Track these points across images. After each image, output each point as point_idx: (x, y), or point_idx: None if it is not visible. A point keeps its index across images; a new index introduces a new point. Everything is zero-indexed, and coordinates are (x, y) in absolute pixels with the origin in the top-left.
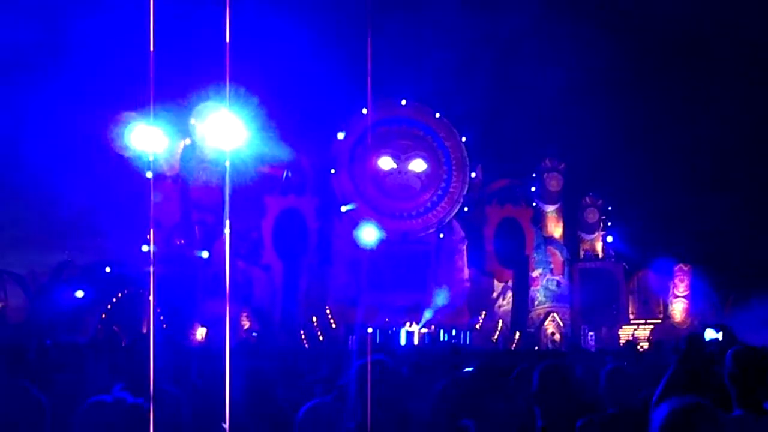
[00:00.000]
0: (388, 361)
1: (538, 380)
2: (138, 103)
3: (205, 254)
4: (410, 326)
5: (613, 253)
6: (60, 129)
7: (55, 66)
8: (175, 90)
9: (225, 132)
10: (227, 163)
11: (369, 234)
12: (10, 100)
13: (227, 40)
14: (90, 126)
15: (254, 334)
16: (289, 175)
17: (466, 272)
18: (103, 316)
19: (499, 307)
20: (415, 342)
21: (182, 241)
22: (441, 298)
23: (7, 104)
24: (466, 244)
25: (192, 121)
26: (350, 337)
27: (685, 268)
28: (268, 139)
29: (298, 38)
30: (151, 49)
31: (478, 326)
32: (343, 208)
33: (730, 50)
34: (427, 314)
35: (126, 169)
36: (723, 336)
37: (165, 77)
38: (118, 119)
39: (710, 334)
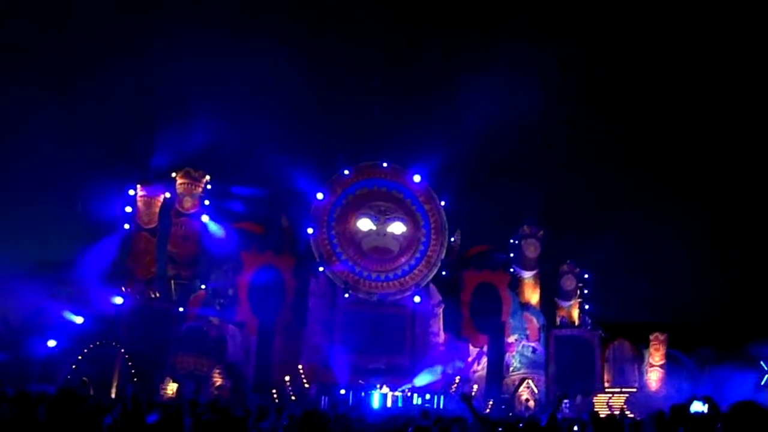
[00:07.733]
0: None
1: None
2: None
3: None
4: (382, 389)
5: (589, 321)
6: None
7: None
8: None
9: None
10: (205, 219)
11: None
12: None
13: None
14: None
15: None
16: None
17: (442, 336)
18: (74, 366)
19: (474, 372)
20: (389, 405)
21: (158, 295)
22: (416, 361)
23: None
24: (442, 307)
25: (173, 174)
26: (323, 397)
27: (661, 337)
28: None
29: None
30: None
31: (452, 391)
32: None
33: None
34: (401, 377)
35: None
36: (708, 408)
37: None
38: None
39: (696, 406)
